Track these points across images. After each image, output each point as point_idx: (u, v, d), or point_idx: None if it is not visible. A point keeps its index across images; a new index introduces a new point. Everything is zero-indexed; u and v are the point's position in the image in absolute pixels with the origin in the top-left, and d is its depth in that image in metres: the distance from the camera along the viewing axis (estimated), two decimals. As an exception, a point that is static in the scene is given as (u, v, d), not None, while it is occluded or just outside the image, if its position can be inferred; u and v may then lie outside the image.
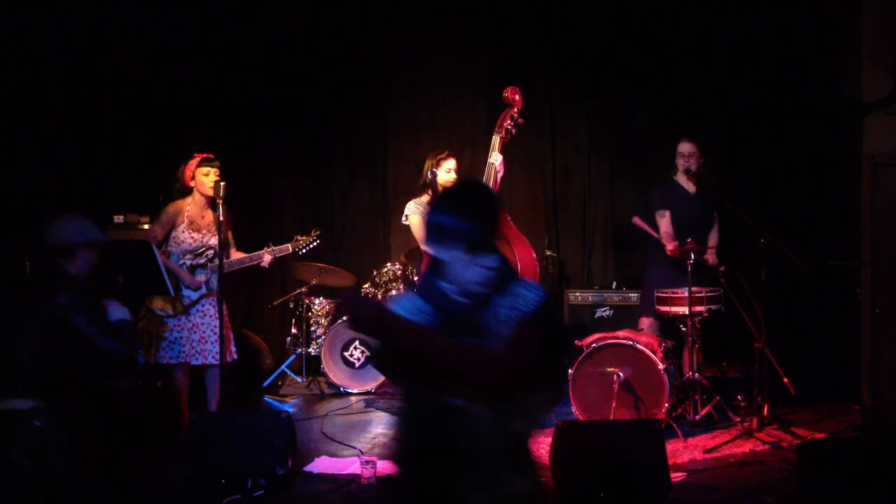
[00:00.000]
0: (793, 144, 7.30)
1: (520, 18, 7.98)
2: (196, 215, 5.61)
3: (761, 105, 7.37)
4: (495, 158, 5.91)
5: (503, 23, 8.01)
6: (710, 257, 6.19)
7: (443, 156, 6.10)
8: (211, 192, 5.52)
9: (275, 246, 5.87)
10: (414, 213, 6.00)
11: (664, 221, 6.21)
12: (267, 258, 5.82)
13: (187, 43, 7.70)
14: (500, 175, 5.93)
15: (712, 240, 6.32)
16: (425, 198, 6.01)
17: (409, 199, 6.17)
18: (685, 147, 6.18)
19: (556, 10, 7.89)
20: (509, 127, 5.96)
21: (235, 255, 5.83)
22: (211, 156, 5.63)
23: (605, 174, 8.09)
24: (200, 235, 5.60)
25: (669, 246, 5.96)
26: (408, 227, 6.17)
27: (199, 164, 5.58)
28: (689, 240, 5.78)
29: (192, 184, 5.60)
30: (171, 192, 5.69)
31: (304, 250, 6.02)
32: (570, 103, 8.14)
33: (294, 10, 7.98)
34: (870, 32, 5.59)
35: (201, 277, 5.60)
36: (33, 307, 3.95)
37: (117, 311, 4.23)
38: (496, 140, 5.98)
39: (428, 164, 6.08)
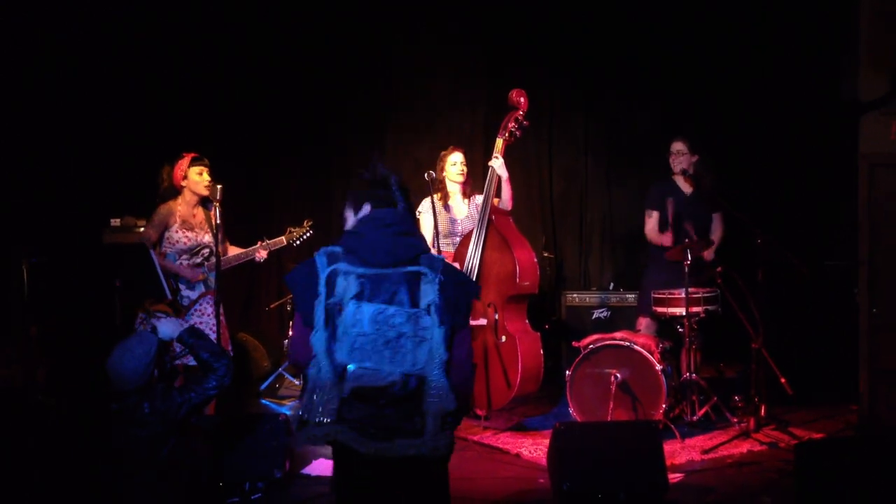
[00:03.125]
0: (790, 144, 7.31)
1: (518, 20, 7.98)
2: (187, 214, 5.60)
3: (758, 105, 7.38)
4: (495, 162, 5.92)
5: (501, 24, 8.01)
6: (708, 254, 6.18)
7: (446, 151, 6.14)
8: (204, 192, 5.51)
9: (269, 240, 5.86)
10: (427, 212, 6.00)
11: (650, 221, 6.24)
12: (262, 252, 5.81)
13: (186, 43, 7.69)
14: (503, 178, 5.93)
15: (714, 237, 6.30)
16: (437, 195, 6.04)
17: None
18: (674, 145, 6.20)
19: (554, 12, 7.89)
20: (513, 129, 5.96)
21: (231, 251, 5.82)
22: (198, 154, 5.61)
23: (602, 175, 8.09)
24: (194, 234, 5.59)
25: (667, 242, 5.98)
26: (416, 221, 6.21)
27: (191, 164, 5.56)
28: (687, 241, 5.78)
29: (183, 183, 5.58)
30: (157, 193, 5.67)
31: (297, 241, 6.00)
32: (568, 104, 8.15)
33: (292, 11, 7.97)
34: (867, 32, 5.60)
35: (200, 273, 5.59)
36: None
37: (167, 328, 3.87)
38: (499, 142, 5.98)
39: (437, 163, 6.12)
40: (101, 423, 3.73)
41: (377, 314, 2.82)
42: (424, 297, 2.87)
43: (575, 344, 5.87)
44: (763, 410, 5.74)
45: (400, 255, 2.90)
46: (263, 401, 7.05)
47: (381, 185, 3.05)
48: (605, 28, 7.84)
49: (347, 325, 2.81)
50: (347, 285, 2.84)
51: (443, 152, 6.17)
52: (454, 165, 6.08)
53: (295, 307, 3.04)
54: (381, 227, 2.94)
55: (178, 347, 4.00)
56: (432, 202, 5.78)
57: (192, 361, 4.15)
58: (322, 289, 2.84)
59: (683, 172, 6.16)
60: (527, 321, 6.06)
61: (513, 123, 5.96)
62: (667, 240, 6.00)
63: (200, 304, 5.58)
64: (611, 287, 7.54)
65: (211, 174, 5.55)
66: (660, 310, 5.92)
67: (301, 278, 2.93)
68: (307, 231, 6.00)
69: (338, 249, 2.92)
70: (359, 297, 2.83)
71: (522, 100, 5.98)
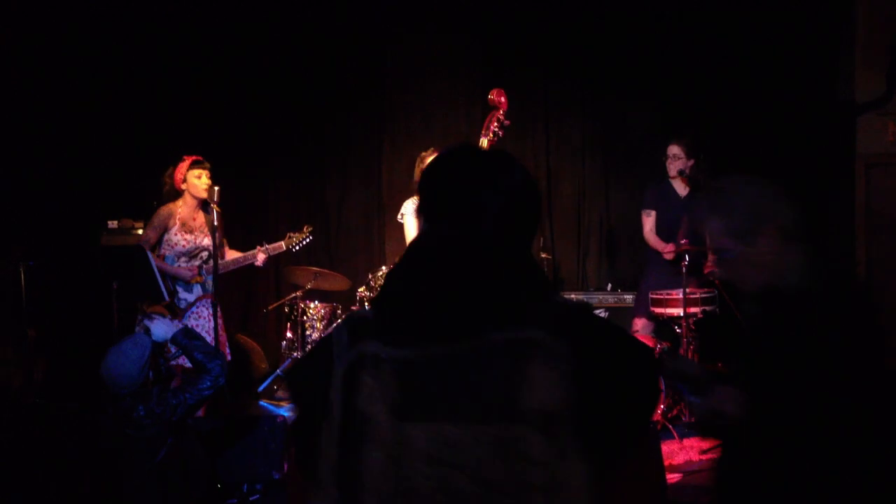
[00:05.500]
0: (786, 145, 7.31)
1: (514, 22, 7.98)
2: (188, 217, 5.60)
3: (755, 106, 7.37)
4: None
5: (497, 26, 8.01)
6: (709, 264, 6.18)
7: (426, 153, 6.07)
8: (203, 195, 5.52)
9: (268, 244, 5.85)
10: (409, 214, 5.98)
11: (648, 221, 6.26)
12: (261, 257, 5.81)
13: (182, 46, 7.69)
14: None
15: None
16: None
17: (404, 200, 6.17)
18: (670, 149, 6.21)
19: (550, 13, 7.90)
20: (496, 129, 5.97)
21: (230, 254, 5.82)
22: (200, 158, 5.62)
23: (599, 176, 8.09)
24: (193, 237, 5.59)
25: (665, 249, 5.99)
26: (402, 225, 6.17)
27: (191, 167, 5.57)
28: (684, 241, 5.78)
29: (183, 186, 5.59)
30: (159, 195, 5.68)
31: (297, 247, 6.00)
32: (564, 105, 8.14)
33: (289, 14, 7.97)
34: (862, 34, 5.62)
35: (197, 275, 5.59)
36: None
37: (160, 329, 3.85)
38: (483, 143, 5.99)
39: (416, 166, 6.08)
40: (99, 424, 3.73)
41: (433, 444, 1.50)
42: (533, 392, 1.50)
43: (573, 345, 5.86)
44: (761, 411, 5.73)
45: (465, 315, 1.56)
46: (262, 402, 7.03)
47: (445, 171, 1.76)
48: (602, 28, 7.83)
49: (378, 474, 1.52)
50: (378, 386, 1.55)
51: (422, 153, 6.02)
52: None
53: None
54: (422, 261, 1.64)
55: (172, 349, 3.99)
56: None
57: (187, 363, 4.15)
58: (337, 396, 1.57)
59: (680, 173, 6.17)
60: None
61: (495, 123, 5.97)
62: (668, 250, 5.99)
63: (197, 307, 5.58)
64: (608, 288, 7.54)
65: (211, 177, 5.56)
66: (657, 310, 5.92)
67: (304, 376, 1.72)
68: (307, 237, 6.00)
69: (369, 315, 1.65)
70: (398, 409, 1.53)
71: (503, 99, 5.98)
